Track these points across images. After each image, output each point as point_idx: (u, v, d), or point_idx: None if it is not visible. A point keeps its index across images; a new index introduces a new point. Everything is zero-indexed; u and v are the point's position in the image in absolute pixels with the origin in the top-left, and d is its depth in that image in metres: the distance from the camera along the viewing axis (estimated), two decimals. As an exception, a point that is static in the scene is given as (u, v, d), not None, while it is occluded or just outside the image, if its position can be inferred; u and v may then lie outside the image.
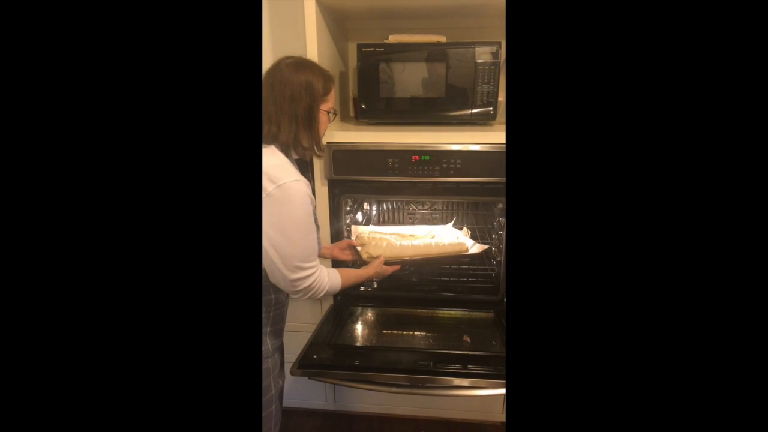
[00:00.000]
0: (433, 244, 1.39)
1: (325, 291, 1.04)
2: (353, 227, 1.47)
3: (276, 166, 0.92)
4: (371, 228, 1.47)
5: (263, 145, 0.96)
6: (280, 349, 1.15)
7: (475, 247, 1.42)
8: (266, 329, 1.05)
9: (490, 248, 1.57)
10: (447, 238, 1.44)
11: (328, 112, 1.04)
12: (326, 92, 1.01)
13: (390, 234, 1.43)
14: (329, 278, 1.06)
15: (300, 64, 0.99)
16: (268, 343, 1.05)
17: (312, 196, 0.97)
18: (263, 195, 0.89)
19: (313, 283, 1.00)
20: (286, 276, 0.95)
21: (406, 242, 1.40)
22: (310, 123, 0.98)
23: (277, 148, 0.97)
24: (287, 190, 0.90)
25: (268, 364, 1.06)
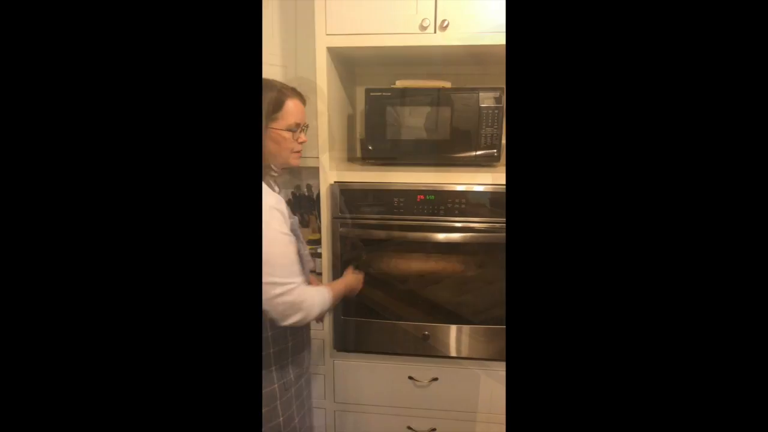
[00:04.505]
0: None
1: (316, 307, 0.92)
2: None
3: None
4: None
5: None
6: (307, 381, 1.13)
7: None
8: (287, 359, 1.03)
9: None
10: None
11: (290, 130, 0.92)
12: (275, 109, 0.89)
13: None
14: (318, 292, 0.95)
15: None
16: (290, 374, 1.04)
17: (284, 210, 0.89)
18: None
19: (296, 299, 0.87)
20: (264, 295, 0.84)
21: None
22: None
23: None
24: None
25: (291, 392, 1.04)
